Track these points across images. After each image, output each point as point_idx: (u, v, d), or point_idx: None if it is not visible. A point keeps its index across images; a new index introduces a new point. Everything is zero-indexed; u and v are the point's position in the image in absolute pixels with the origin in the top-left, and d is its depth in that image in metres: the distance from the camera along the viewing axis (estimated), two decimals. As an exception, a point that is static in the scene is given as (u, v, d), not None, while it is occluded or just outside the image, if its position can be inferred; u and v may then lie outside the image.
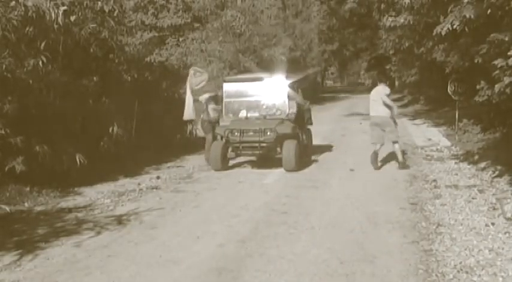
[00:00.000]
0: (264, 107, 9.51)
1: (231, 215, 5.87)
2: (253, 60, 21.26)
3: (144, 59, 11.26)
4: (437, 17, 8.30)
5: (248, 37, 21.52)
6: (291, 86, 9.44)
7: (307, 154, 9.80)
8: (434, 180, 7.38)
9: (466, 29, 6.99)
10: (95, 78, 8.69)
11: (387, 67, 29.20)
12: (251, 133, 8.78)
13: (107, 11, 8.86)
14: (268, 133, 8.67)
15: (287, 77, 9.68)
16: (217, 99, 9.94)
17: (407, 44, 15.25)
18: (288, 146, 8.53)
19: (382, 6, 15.48)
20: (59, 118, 7.44)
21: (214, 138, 9.49)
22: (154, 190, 7.59)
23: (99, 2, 8.78)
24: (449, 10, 7.17)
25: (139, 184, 7.93)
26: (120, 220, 5.80)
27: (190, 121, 12.45)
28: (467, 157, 9.00)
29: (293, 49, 26.51)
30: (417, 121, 17.21)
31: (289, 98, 9.30)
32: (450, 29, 7.08)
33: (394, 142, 8.55)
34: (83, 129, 8.02)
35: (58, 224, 5.74)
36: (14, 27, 6.82)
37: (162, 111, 10.86)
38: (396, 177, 7.84)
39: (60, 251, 4.75)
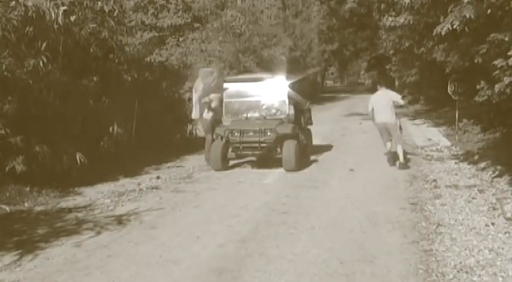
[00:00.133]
0: (264, 107, 9.51)
1: (231, 215, 5.87)
2: (253, 60, 21.25)
3: (144, 59, 11.25)
4: (437, 17, 8.29)
5: (248, 37, 21.52)
6: (291, 86, 9.44)
7: (307, 154, 9.81)
8: (434, 180, 7.38)
9: (466, 29, 6.99)
10: (95, 78, 8.68)
11: (387, 67, 29.22)
12: (251, 133, 8.79)
13: (107, 11, 8.86)
14: (269, 133, 8.67)
15: (287, 77, 9.69)
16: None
17: (407, 44, 15.24)
18: (288, 146, 8.53)
19: (382, 6, 15.46)
20: (59, 118, 7.43)
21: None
22: (154, 190, 7.59)
23: (99, 2, 8.78)
24: (449, 10, 7.17)
25: (139, 184, 7.93)
26: (120, 220, 5.80)
27: (191, 121, 12.47)
28: (467, 157, 9.00)
29: (293, 49, 26.52)
30: (417, 121, 17.21)
31: (289, 98, 9.31)
32: (450, 29, 7.08)
33: (396, 143, 8.73)
34: (83, 129, 8.01)
35: (58, 224, 5.74)
36: (14, 27, 6.83)
37: (162, 111, 10.86)
38: (396, 177, 7.84)
39: (60, 251, 4.75)
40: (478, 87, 7.77)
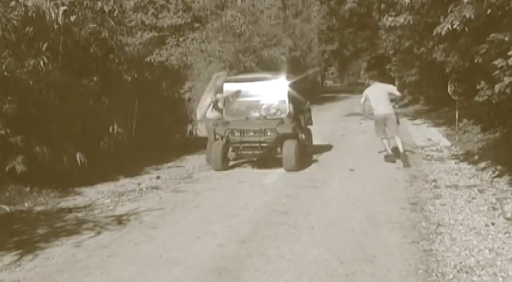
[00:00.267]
0: (264, 107, 9.51)
1: (231, 215, 5.87)
2: (253, 60, 21.25)
3: (144, 59, 11.26)
4: (437, 17, 8.30)
5: (248, 37, 21.52)
6: (291, 86, 9.45)
7: (307, 154, 9.81)
8: (434, 180, 7.38)
9: (466, 29, 6.99)
10: (95, 78, 8.68)
11: (387, 67, 29.22)
12: (251, 133, 8.79)
13: (107, 11, 8.87)
14: (269, 133, 8.67)
15: (287, 77, 9.69)
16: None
17: (407, 44, 15.25)
18: (288, 146, 8.53)
19: (382, 6, 15.47)
20: (59, 118, 7.43)
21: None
22: (154, 190, 7.59)
23: (99, 2, 8.79)
24: (449, 10, 7.17)
25: (139, 184, 7.93)
26: (120, 220, 5.80)
27: (191, 121, 12.48)
28: (467, 157, 9.00)
29: (293, 49, 26.52)
30: (417, 121, 17.21)
31: (289, 98, 9.31)
32: (450, 29, 7.08)
33: (395, 135, 8.95)
34: (83, 129, 8.01)
35: (58, 224, 5.74)
36: (14, 27, 6.83)
37: (162, 111, 10.86)
38: (396, 177, 7.84)
39: (60, 251, 4.75)
40: (478, 87, 7.77)
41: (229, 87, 9.63)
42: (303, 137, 9.78)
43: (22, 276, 4.14)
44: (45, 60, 7.17)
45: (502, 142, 8.80)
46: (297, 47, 28.24)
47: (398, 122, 9.18)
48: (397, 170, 8.38)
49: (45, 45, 7.41)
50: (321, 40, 35.95)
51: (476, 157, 8.69)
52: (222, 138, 9.10)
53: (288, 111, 9.18)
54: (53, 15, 7.37)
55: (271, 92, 9.47)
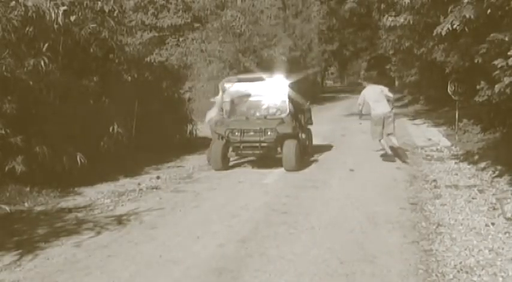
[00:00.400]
0: (265, 107, 9.51)
1: (231, 215, 5.87)
2: (253, 60, 21.26)
3: (144, 59, 11.26)
4: (437, 17, 8.31)
5: (248, 37, 21.53)
6: (291, 86, 9.45)
7: (307, 154, 9.81)
8: (434, 180, 7.38)
9: (466, 29, 6.99)
10: (95, 78, 8.69)
11: (387, 67, 29.23)
12: (252, 133, 8.79)
13: (107, 11, 8.87)
14: (269, 133, 8.68)
15: (287, 77, 9.69)
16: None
17: (407, 44, 15.25)
18: (288, 145, 8.53)
19: (382, 6, 15.49)
20: (59, 118, 7.43)
21: None
22: (154, 190, 7.59)
23: (99, 2, 8.79)
24: (449, 10, 7.17)
25: (139, 184, 7.93)
26: (120, 220, 5.80)
27: (191, 121, 12.47)
28: (467, 157, 9.00)
29: (293, 49, 26.51)
30: (417, 121, 17.21)
31: (289, 98, 9.31)
32: (450, 29, 7.08)
33: (390, 134, 9.10)
34: (83, 129, 8.01)
35: (58, 224, 5.74)
36: (14, 27, 6.83)
37: (162, 111, 10.86)
38: (396, 177, 7.84)
39: (60, 251, 4.75)
40: (478, 87, 7.77)
41: (234, 88, 9.62)
42: (303, 136, 9.79)
43: (22, 276, 4.14)
44: (45, 60, 7.17)
45: (502, 142, 8.80)
46: (297, 47, 28.24)
47: (394, 121, 9.31)
48: (397, 170, 8.38)
49: (45, 45, 7.41)
50: (321, 40, 35.93)
51: (476, 157, 8.69)
52: (222, 138, 9.10)
53: (288, 111, 9.18)
54: (53, 15, 7.37)
55: (271, 92, 9.47)
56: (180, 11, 22.46)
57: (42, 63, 7.12)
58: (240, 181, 7.98)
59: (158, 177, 8.51)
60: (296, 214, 5.78)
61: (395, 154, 9.10)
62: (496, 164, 7.62)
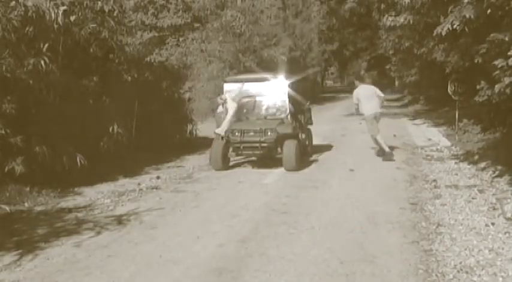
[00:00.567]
0: (264, 107, 9.51)
1: (231, 215, 5.87)
2: (253, 60, 21.26)
3: (144, 59, 11.26)
4: (437, 17, 8.31)
5: (248, 37, 21.54)
6: (291, 86, 9.45)
7: (307, 154, 9.81)
8: (434, 180, 7.37)
9: (466, 29, 6.99)
10: (95, 78, 8.68)
11: (387, 67, 29.23)
12: (252, 133, 8.79)
13: (106, 11, 8.87)
14: (269, 133, 8.68)
15: (287, 77, 9.69)
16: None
17: (407, 44, 15.26)
18: (288, 146, 8.53)
19: (382, 6, 15.49)
20: (59, 118, 7.43)
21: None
22: (154, 190, 7.59)
23: (99, 2, 8.79)
24: (449, 10, 7.18)
25: (139, 184, 7.93)
26: (120, 220, 5.80)
27: (190, 121, 12.47)
28: (467, 157, 9.00)
29: (293, 49, 26.53)
30: (417, 121, 17.21)
31: (289, 98, 9.31)
32: (450, 29, 7.08)
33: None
34: (83, 129, 8.01)
35: (58, 224, 5.74)
36: (14, 27, 6.82)
37: (162, 111, 10.86)
38: (396, 177, 7.84)
39: (60, 251, 4.75)
40: (478, 87, 7.77)
41: (228, 88, 9.62)
42: (303, 137, 9.79)
43: (22, 276, 4.14)
44: (45, 60, 7.16)
45: (502, 142, 8.80)
46: (297, 47, 28.25)
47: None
48: (397, 170, 8.38)
49: (45, 45, 7.41)
50: (321, 40, 35.94)
51: (476, 157, 8.69)
52: (222, 138, 9.10)
53: (288, 111, 9.18)
54: (53, 15, 7.37)
55: (271, 92, 9.47)
56: (180, 11, 22.47)
57: (42, 63, 7.12)
58: (240, 181, 7.98)
59: (158, 177, 8.51)
60: (296, 214, 5.78)
61: (380, 151, 9.54)
62: (496, 164, 7.62)
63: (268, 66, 19.84)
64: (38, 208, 6.51)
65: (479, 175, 7.54)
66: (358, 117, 10.57)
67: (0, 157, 6.53)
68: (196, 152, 11.16)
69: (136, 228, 5.48)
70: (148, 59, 11.70)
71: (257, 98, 9.62)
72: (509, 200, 5.79)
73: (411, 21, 10.34)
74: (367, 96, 9.49)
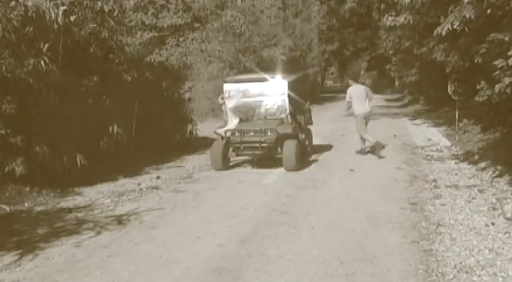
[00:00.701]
0: (264, 107, 9.50)
1: (231, 215, 5.87)
2: (253, 60, 21.26)
3: (144, 59, 11.25)
4: (438, 17, 8.31)
5: (248, 37, 21.54)
6: (290, 85, 9.45)
7: (307, 154, 9.81)
8: (434, 180, 7.38)
9: (466, 29, 6.99)
10: (95, 78, 8.68)
11: (387, 67, 29.24)
12: (252, 133, 8.79)
13: (106, 11, 8.87)
14: (269, 133, 8.68)
15: (287, 77, 9.69)
16: None
17: (407, 44, 15.26)
18: (288, 146, 8.53)
19: (382, 6, 15.49)
20: (59, 118, 7.43)
21: None
22: (154, 190, 7.59)
23: (99, 2, 8.78)
24: (449, 10, 7.18)
25: (139, 184, 7.93)
26: (120, 220, 5.80)
27: (190, 121, 12.47)
28: (467, 157, 9.00)
29: (293, 49, 26.52)
30: (417, 121, 17.21)
31: (289, 98, 9.31)
32: (450, 29, 7.08)
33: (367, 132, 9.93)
34: (83, 129, 8.01)
35: (58, 224, 5.74)
36: (14, 27, 6.82)
37: (162, 111, 10.86)
38: (396, 177, 7.84)
39: (60, 251, 4.75)
40: (478, 87, 7.78)
41: (228, 88, 9.62)
42: (303, 137, 9.79)
43: (22, 276, 4.14)
44: (45, 60, 7.16)
45: (502, 142, 8.80)
46: (297, 47, 28.24)
47: None
48: (397, 170, 8.38)
49: (45, 45, 7.41)
50: (321, 40, 35.95)
51: (476, 157, 8.69)
52: (222, 138, 9.10)
53: (287, 111, 9.18)
54: (53, 15, 7.37)
55: (271, 92, 9.47)
56: (180, 11, 22.48)
57: (42, 63, 7.12)
58: (240, 181, 7.98)
59: (158, 177, 8.51)
60: (296, 214, 5.78)
61: (362, 149, 10.08)
62: (496, 164, 7.62)
63: (268, 66, 19.83)
64: (38, 208, 6.51)
65: (479, 175, 7.55)
66: (347, 109, 10.86)
67: (1, 157, 6.52)
68: (196, 152, 11.16)
69: (136, 228, 5.48)
70: (148, 59, 11.69)
71: (257, 98, 9.61)
72: (509, 200, 5.79)
73: (411, 21, 10.35)
74: (359, 95, 9.88)
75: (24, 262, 4.46)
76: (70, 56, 8.35)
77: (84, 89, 8.33)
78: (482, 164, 8.10)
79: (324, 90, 44.10)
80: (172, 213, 6.12)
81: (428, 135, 12.97)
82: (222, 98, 9.67)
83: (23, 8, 7.06)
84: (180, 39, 22.34)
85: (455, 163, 8.74)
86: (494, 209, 5.62)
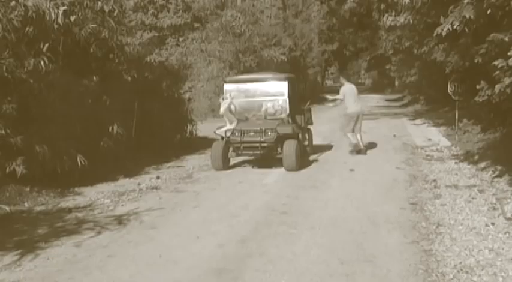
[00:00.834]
0: (264, 107, 9.50)
1: (231, 215, 5.87)
2: (253, 60, 21.26)
3: (144, 59, 11.26)
4: (438, 17, 8.30)
5: (248, 37, 21.54)
6: (290, 86, 9.46)
7: (307, 154, 9.81)
8: (434, 180, 7.37)
9: (466, 30, 6.99)
10: (95, 78, 8.68)
11: (387, 67, 29.25)
12: (252, 133, 8.79)
13: (106, 11, 8.86)
14: (269, 133, 8.67)
15: (287, 77, 9.70)
16: None
17: (407, 44, 15.25)
18: (288, 146, 8.53)
19: (382, 6, 15.49)
20: (59, 118, 7.43)
21: None
22: (154, 190, 7.59)
23: (99, 2, 8.78)
24: (449, 11, 7.17)
25: (139, 184, 7.93)
26: (120, 220, 5.80)
27: (190, 121, 12.47)
28: (467, 157, 9.00)
29: (293, 49, 26.54)
30: (417, 121, 17.20)
31: (289, 98, 9.32)
32: (450, 29, 7.08)
33: (360, 132, 10.03)
34: (83, 129, 8.01)
35: (58, 224, 5.74)
36: (14, 27, 6.82)
37: (162, 111, 10.85)
38: (396, 177, 7.84)
39: (60, 251, 4.76)
40: (478, 87, 7.77)
41: (228, 88, 9.62)
42: (303, 137, 9.79)
43: (22, 276, 4.14)
44: (45, 60, 7.16)
45: (502, 142, 8.80)
46: (297, 47, 28.25)
47: None
48: (397, 170, 8.38)
49: (45, 45, 7.41)
50: (321, 40, 35.98)
51: (476, 157, 8.69)
52: (222, 138, 9.10)
53: (287, 111, 9.18)
54: (53, 15, 7.37)
55: (271, 92, 9.47)
56: (180, 11, 22.50)
57: (42, 63, 7.11)
58: (240, 181, 7.98)
59: (158, 177, 8.51)
60: (296, 214, 5.78)
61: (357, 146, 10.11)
62: (496, 164, 7.62)
63: (268, 66, 19.85)
64: (38, 208, 6.51)
65: (479, 175, 7.55)
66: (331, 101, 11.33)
67: (1, 157, 6.52)
68: (196, 152, 11.16)
69: (136, 228, 5.49)
70: (148, 59, 11.69)
71: (257, 98, 9.61)
72: (509, 200, 5.80)
73: (411, 21, 10.34)
74: (353, 94, 10.05)
75: (24, 262, 4.46)
76: (70, 56, 8.34)
77: (84, 89, 8.33)
78: (482, 164, 8.10)
79: (324, 90, 44.09)
80: (172, 213, 6.12)
81: (428, 135, 12.96)
82: (223, 98, 9.67)
83: (23, 8, 7.05)
84: (180, 39, 22.36)
85: (455, 163, 8.74)
86: (494, 209, 5.62)
